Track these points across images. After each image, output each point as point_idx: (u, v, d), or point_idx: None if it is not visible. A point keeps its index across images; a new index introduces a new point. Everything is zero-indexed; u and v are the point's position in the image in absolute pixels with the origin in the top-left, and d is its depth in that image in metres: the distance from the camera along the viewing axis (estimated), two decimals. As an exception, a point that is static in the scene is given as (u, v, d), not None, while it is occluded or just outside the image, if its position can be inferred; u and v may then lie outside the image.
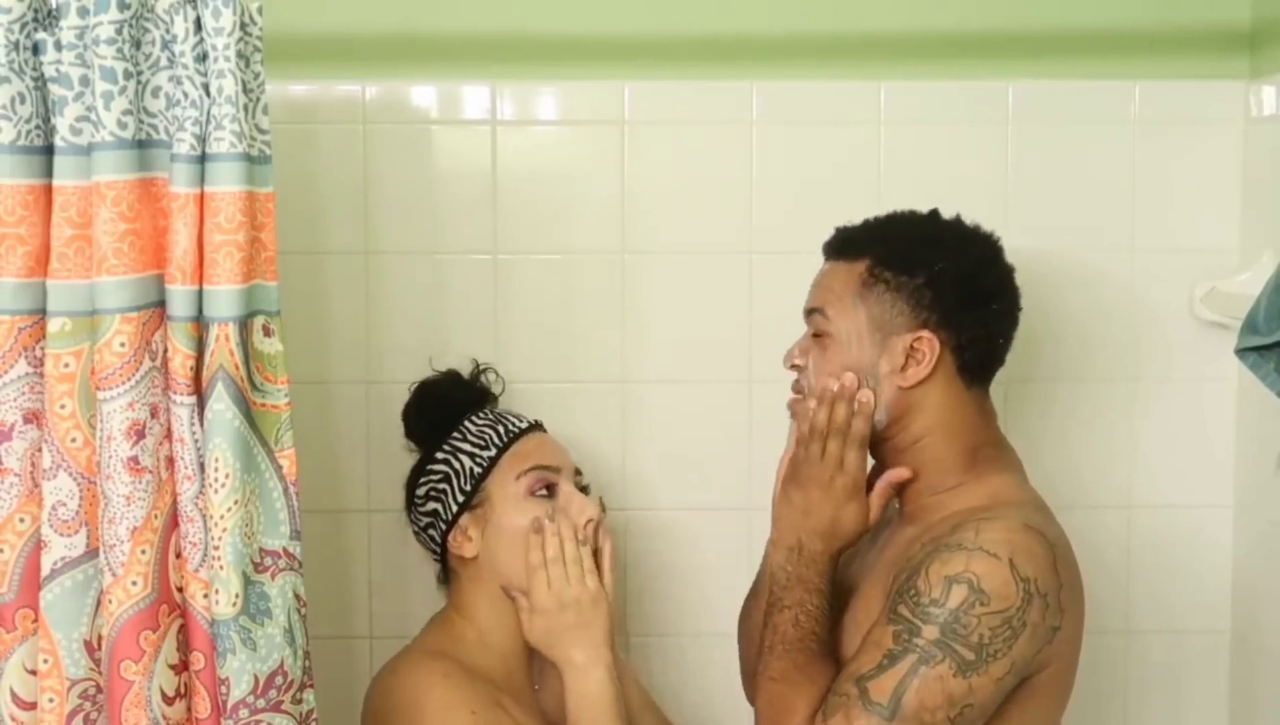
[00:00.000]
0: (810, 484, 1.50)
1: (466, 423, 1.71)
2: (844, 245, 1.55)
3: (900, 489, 1.54)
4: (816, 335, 1.54)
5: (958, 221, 1.55)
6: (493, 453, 1.68)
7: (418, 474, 1.72)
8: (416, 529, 1.73)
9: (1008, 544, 1.38)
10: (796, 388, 1.57)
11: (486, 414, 1.73)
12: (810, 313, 1.55)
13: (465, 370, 1.80)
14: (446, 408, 1.73)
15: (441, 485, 1.68)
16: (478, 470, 1.67)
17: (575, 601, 1.59)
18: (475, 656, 1.65)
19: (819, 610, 1.46)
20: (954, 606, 1.35)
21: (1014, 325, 1.55)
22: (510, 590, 1.64)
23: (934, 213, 1.56)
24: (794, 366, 1.56)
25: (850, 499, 1.49)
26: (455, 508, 1.67)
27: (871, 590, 1.48)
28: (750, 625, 1.65)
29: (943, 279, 1.49)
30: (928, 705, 1.34)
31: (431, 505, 1.69)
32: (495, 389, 1.79)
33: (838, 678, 1.40)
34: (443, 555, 1.71)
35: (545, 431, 1.74)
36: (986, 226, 1.56)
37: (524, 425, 1.71)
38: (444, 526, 1.68)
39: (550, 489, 1.66)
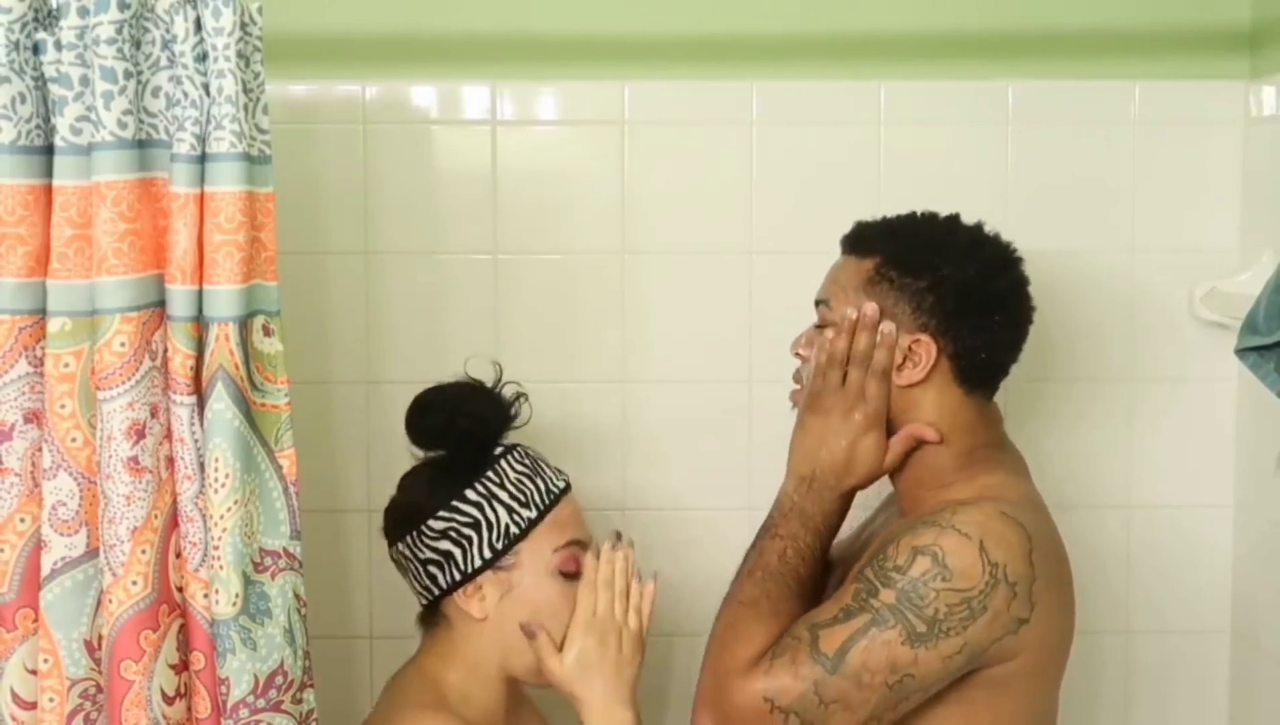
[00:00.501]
0: (831, 413, 1.49)
1: (504, 464, 1.57)
2: (858, 241, 1.56)
3: (896, 486, 1.54)
4: (821, 326, 1.54)
5: (975, 228, 1.55)
6: (533, 514, 1.56)
7: (433, 502, 1.56)
8: (410, 557, 1.58)
9: (980, 527, 1.39)
10: (797, 378, 1.58)
11: (524, 458, 1.60)
12: (818, 303, 1.56)
13: (486, 374, 1.68)
14: (477, 427, 1.59)
15: (468, 532, 1.54)
16: (515, 531, 1.55)
17: (618, 633, 1.51)
18: (461, 710, 1.56)
19: (809, 550, 1.47)
20: (915, 575, 1.37)
21: (1021, 337, 1.55)
22: (530, 626, 1.54)
23: (954, 217, 1.56)
24: (797, 355, 1.57)
25: (869, 430, 1.49)
26: (479, 563, 1.55)
27: (857, 571, 1.49)
28: None
29: (946, 285, 1.48)
30: (869, 666, 1.36)
31: (446, 546, 1.55)
32: (522, 417, 1.64)
33: (796, 622, 1.42)
34: (437, 598, 1.59)
35: (571, 488, 1.63)
36: (988, 228, 1.55)
37: (562, 484, 1.61)
38: (456, 576, 1.55)
39: (579, 568, 1.56)
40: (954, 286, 1.49)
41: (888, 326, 1.48)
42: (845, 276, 1.53)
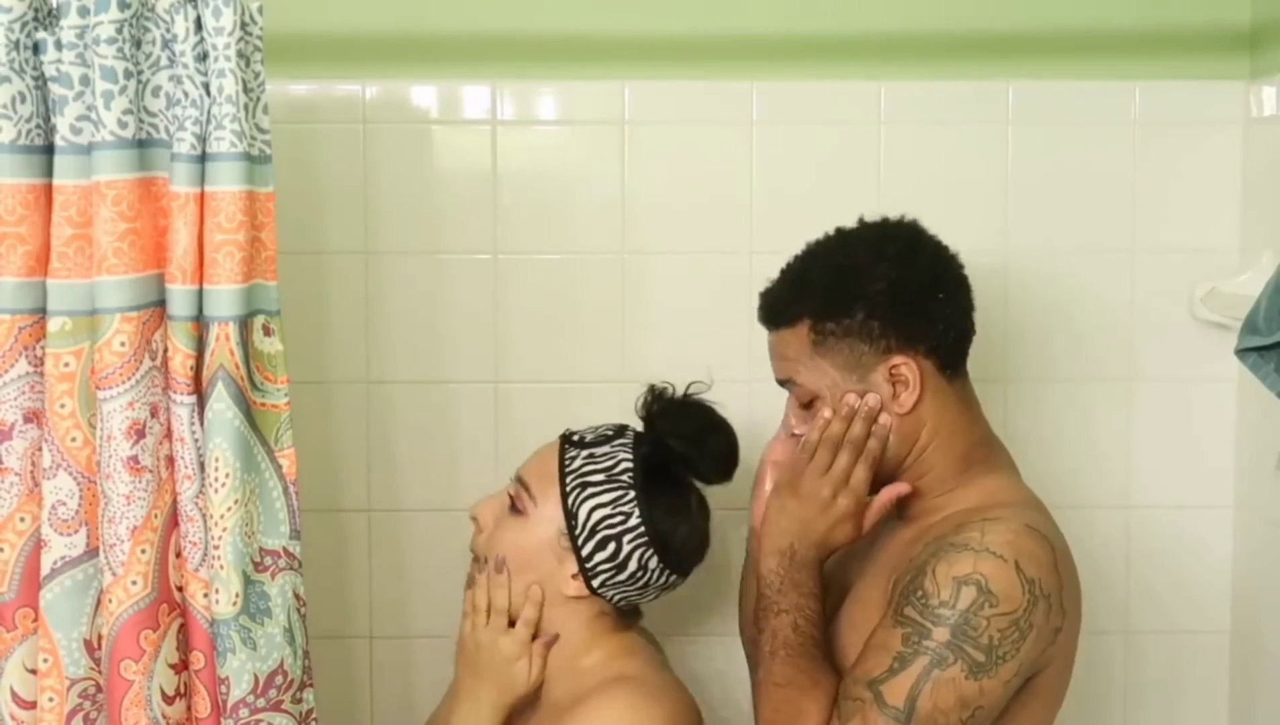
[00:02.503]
0: (810, 499, 1.46)
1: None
2: (776, 315, 1.52)
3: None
4: (804, 404, 1.51)
5: (866, 229, 1.52)
6: None
7: None
8: None
9: (1012, 546, 1.37)
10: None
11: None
12: (784, 383, 1.53)
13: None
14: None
15: None
16: None
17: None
18: None
19: (815, 614, 1.45)
20: (964, 608, 1.34)
21: (969, 293, 1.51)
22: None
23: (840, 232, 1.52)
24: (793, 436, 1.53)
25: (851, 517, 1.46)
26: None
27: (868, 592, 1.48)
28: (744, 611, 1.65)
29: (881, 301, 1.45)
30: (941, 708, 1.33)
31: None
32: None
33: (846, 681, 1.39)
34: None
35: (561, 443, 1.61)
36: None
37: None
38: None
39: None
40: (889, 297, 1.45)
41: (885, 418, 1.46)
42: (792, 350, 1.49)
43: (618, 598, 1.58)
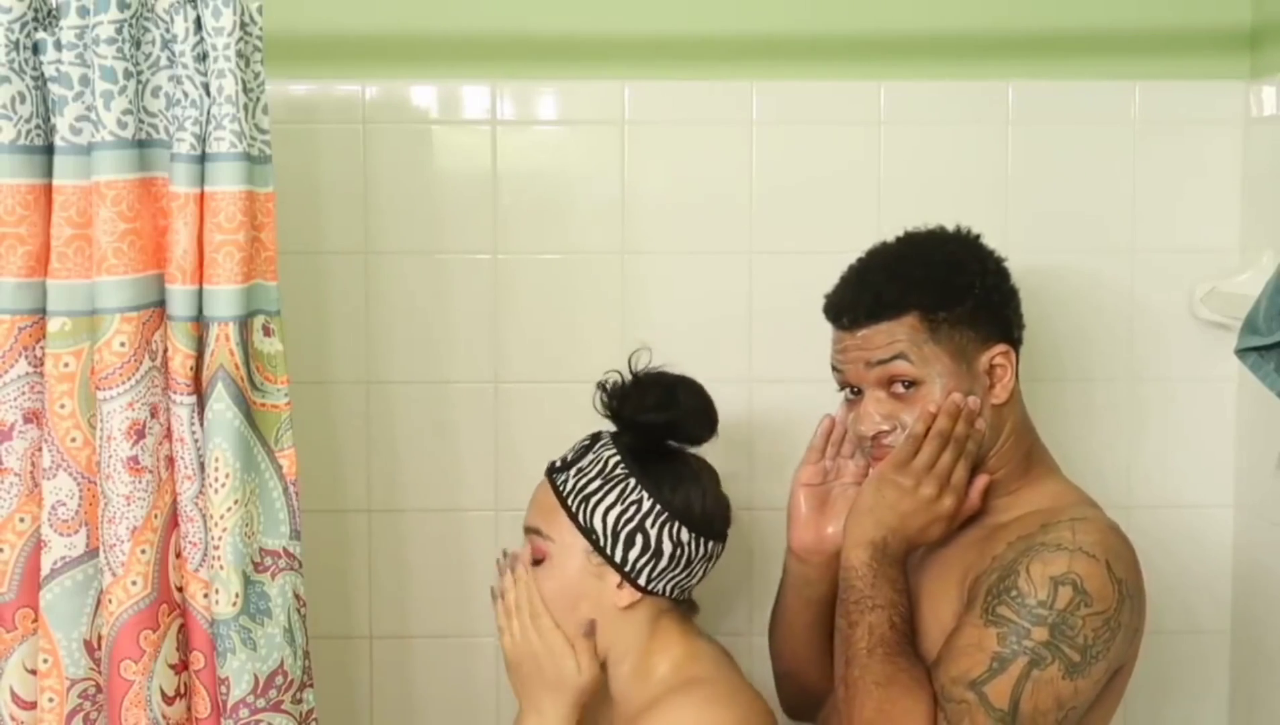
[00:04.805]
0: (912, 493, 1.46)
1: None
2: (879, 308, 1.49)
3: None
4: (897, 391, 1.49)
5: (940, 232, 1.56)
6: None
7: None
8: None
9: (1103, 546, 1.38)
10: (880, 454, 1.51)
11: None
12: (881, 364, 1.48)
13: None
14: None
15: None
16: None
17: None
18: None
19: (909, 611, 1.44)
20: (1061, 608, 1.34)
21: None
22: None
23: (918, 233, 1.56)
24: (879, 433, 1.50)
25: (947, 517, 1.47)
26: None
27: (940, 589, 1.48)
28: (787, 631, 1.64)
29: (983, 295, 1.50)
30: (1041, 709, 1.34)
31: None
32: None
33: (940, 681, 1.38)
34: None
35: (547, 477, 1.60)
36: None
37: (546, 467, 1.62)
38: None
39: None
40: (990, 289, 1.50)
41: (981, 423, 1.48)
42: (896, 338, 1.48)
43: (669, 586, 1.56)
